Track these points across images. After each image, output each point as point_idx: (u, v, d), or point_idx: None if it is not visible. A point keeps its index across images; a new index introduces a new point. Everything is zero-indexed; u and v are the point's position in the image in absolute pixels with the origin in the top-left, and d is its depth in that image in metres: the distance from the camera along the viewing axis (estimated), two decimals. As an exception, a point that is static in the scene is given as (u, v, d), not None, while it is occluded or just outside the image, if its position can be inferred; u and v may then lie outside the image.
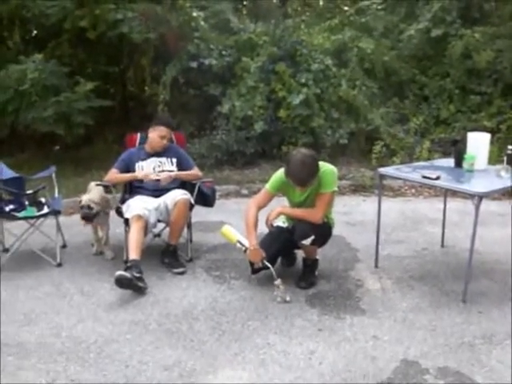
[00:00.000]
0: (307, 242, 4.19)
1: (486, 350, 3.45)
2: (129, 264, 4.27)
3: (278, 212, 4.25)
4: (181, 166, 4.94)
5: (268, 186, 4.31)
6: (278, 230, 4.37)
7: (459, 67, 8.78)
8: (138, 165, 4.87)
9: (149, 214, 4.53)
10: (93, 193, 4.85)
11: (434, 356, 3.38)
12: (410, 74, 9.05)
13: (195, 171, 5.00)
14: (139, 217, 4.46)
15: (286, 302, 4.07)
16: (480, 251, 4.83)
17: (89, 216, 4.71)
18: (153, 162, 4.89)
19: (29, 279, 4.48)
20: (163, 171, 4.85)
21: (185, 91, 8.92)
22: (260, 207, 4.26)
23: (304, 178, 3.98)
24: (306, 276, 4.41)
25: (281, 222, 4.44)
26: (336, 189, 4.23)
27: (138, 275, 4.20)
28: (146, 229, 4.55)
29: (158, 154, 4.91)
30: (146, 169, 4.86)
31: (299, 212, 4.25)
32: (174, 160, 4.93)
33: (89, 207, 4.68)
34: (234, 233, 4.38)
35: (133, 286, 4.16)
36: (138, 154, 4.94)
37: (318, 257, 4.50)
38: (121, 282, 4.11)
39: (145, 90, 9.03)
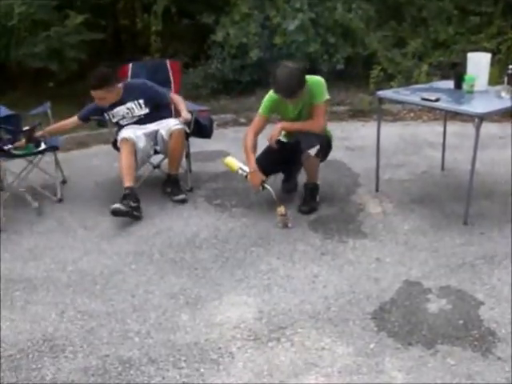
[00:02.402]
0: (312, 152, 4.18)
1: (487, 269, 3.48)
2: (125, 192, 4.31)
3: (280, 128, 4.25)
4: (154, 103, 4.75)
5: (260, 110, 4.31)
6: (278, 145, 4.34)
7: (458, -13, 8.54)
8: (107, 115, 4.75)
9: (136, 138, 4.51)
10: None
11: (436, 276, 3.42)
12: (407, -5, 8.80)
13: (175, 99, 4.83)
14: (126, 140, 4.46)
15: (288, 227, 4.10)
16: (480, 172, 4.81)
17: None
18: (120, 110, 4.71)
19: (31, 216, 4.49)
20: (134, 117, 4.71)
21: (177, 21, 8.71)
22: (257, 132, 4.28)
23: (292, 88, 3.98)
24: (308, 201, 4.42)
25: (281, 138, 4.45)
26: (328, 97, 4.23)
27: (134, 205, 4.28)
28: (136, 154, 4.50)
29: (120, 102, 4.69)
30: (116, 118, 4.74)
31: (300, 124, 4.24)
32: (141, 101, 4.70)
33: None
34: (236, 162, 4.40)
35: (130, 215, 4.27)
36: (101, 107, 4.74)
37: (318, 182, 4.50)
38: (117, 215, 4.23)
39: (136, 22, 8.82)
